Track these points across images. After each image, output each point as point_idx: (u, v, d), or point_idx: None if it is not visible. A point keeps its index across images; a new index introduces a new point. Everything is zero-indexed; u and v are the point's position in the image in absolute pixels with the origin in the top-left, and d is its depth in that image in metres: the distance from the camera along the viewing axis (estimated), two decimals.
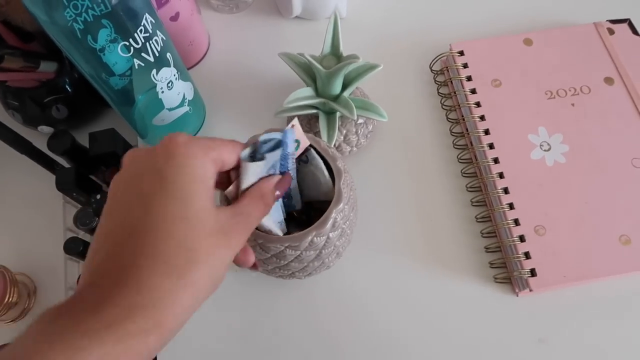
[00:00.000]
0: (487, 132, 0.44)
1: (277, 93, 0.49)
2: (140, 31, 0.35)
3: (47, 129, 0.53)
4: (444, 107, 0.48)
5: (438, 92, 0.48)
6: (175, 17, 0.45)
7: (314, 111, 0.43)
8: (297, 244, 0.33)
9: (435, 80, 0.49)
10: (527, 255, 0.40)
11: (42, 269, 0.47)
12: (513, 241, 0.40)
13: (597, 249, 0.40)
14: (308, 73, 0.44)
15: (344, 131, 0.45)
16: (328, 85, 0.41)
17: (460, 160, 0.46)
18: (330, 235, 0.35)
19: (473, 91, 0.46)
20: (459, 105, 0.47)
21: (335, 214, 0.34)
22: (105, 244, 0.23)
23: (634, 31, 0.49)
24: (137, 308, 0.21)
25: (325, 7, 0.51)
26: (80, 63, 0.37)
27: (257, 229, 0.33)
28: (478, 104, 0.45)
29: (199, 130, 0.48)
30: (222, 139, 0.27)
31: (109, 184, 0.46)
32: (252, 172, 0.28)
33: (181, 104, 0.43)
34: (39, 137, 0.50)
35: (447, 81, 0.48)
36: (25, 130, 0.51)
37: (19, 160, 0.46)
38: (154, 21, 0.36)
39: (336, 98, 0.42)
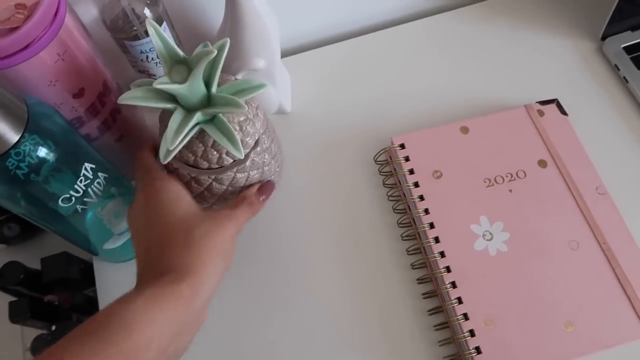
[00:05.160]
0: (432, 225, 0.46)
1: None
2: (80, 181, 0.36)
3: (0, 246, 0.52)
4: (390, 198, 0.50)
5: (384, 184, 0.50)
6: (120, 139, 0.46)
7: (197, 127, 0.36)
8: (220, 177, 0.38)
9: (380, 172, 0.51)
10: (478, 350, 0.41)
11: None
12: (464, 336, 0.42)
13: (542, 337, 0.42)
14: (164, 98, 0.35)
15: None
16: (192, 95, 0.34)
17: (409, 253, 0.47)
18: (251, 173, 0.40)
19: (416, 184, 0.48)
20: (405, 197, 0.49)
21: (254, 155, 0.39)
22: (147, 247, 0.35)
23: (562, 111, 0.51)
24: (171, 271, 0.31)
25: (270, 103, 0.53)
26: (21, 204, 0.37)
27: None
28: (422, 197, 0.47)
29: None
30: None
31: (65, 307, 0.46)
32: None
33: None
34: None
35: (393, 173, 0.50)
36: None
37: None
38: (94, 166, 0.37)
39: (209, 101, 0.36)
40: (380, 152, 0.51)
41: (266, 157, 0.41)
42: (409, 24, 0.60)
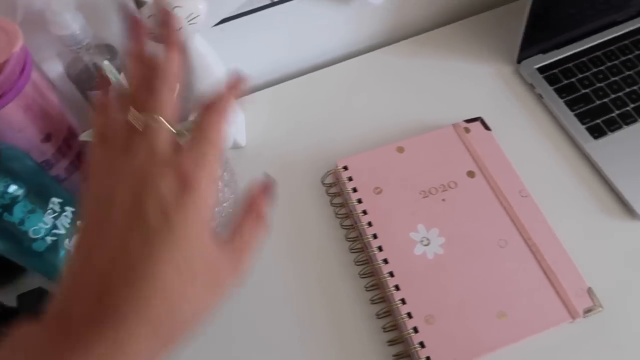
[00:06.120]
0: (375, 236, 0.51)
1: None
2: (49, 214, 0.40)
3: None
4: (338, 215, 0.55)
5: (331, 203, 0.55)
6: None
7: None
8: None
9: (327, 193, 0.56)
10: (422, 344, 0.45)
11: None
12: (409, 333, 0.46)
13: (479, 328, 0.46)
14: None
15: None
16: None
17: (357, 263, 0.52)
18: None
19: (359, 201, 0.53)
20: (351, 213, 0.54)
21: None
22: (91, 265, 0.23)
23: (486, 127, 0.58)
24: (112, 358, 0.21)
25: (225, 140, 0.58)
26: None
27: None
28: (365, 212, 0.52)
29: None
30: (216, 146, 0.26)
31: None
32: None
33: None
34: None
35: (339, 192, 0.55)
36: None
37: None
38: (61, 200, 0.41)
39: None
40: (327, 175, 0.56)
41: (226, 191, 0.46)
42: (348, 61, 0.67)
